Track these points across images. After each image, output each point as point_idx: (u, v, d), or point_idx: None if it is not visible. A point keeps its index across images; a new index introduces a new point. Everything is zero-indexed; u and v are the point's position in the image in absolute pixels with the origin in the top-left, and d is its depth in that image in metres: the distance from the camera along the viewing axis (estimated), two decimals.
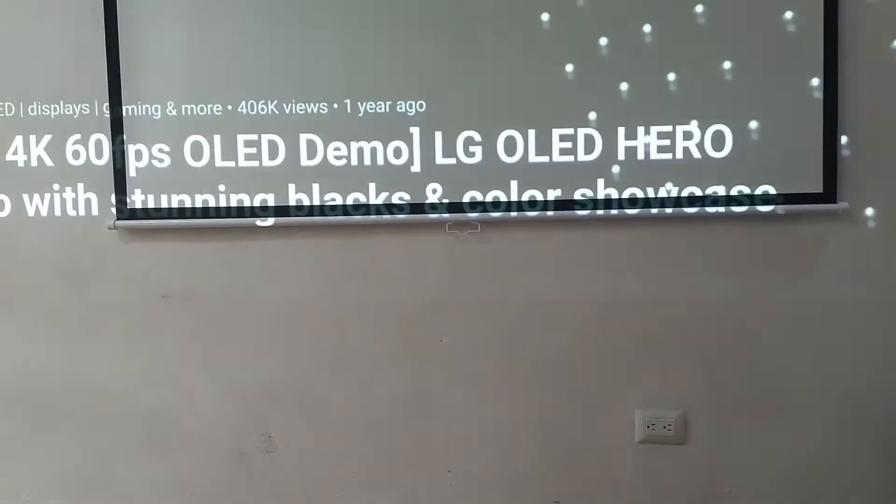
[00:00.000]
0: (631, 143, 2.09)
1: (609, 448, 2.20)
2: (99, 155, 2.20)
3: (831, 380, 2.13)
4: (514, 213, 2.11)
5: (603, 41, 2.09)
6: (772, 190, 2.07)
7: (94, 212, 2.21)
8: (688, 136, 2.08)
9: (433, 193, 2.13)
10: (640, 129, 2.09)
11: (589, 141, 2.10)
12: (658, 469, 2.19)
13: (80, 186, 2.21)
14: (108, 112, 2.17)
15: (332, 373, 2.23)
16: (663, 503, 2.19)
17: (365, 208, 2.14)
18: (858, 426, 2.14)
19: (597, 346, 2.18)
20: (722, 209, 2.08)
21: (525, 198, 2.11)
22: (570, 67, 2.10)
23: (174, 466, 2.28)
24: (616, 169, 2.10)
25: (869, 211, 2.09)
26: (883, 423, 2.13)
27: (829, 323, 2.12)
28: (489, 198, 2.12)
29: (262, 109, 2.15)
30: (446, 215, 2.13)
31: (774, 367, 2.14)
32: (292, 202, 2.16)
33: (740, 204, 2.08)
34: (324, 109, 2.14)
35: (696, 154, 2.08)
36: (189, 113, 2.16)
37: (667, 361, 2.17)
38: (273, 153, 2.15)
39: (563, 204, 2.11)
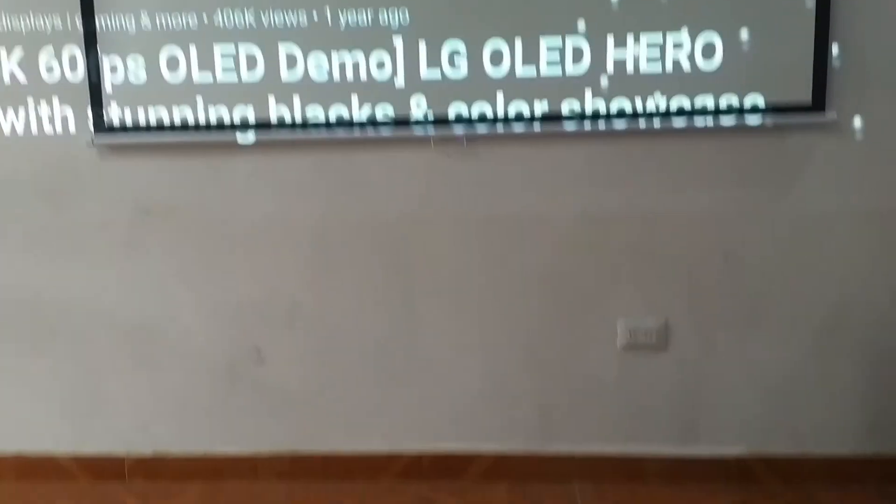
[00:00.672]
0: (620, 53, 2.04)
1: (592, 356, 2.25)
2: (73, 69, 2.14)
3: (813, 289, 2.17)
4: (500, 129, 2.08)
5: None
6: (760, 99, 2.05)
7: (72, 129, 2.17)
8: (678, 46, 2.03)
9: (417, 107, 2.09)
10: (630, 37, 2.04)
11: (577, 53, 2.05)
12: (640, 376, 2.25)
13: (55, 101, 2.16)
14: (81, 24, 2.09)
15: (317, 288, 2.25)
16: (644, 408, 2.27)
17: (348, 124, 2.11)
18: (839, 335, 2.19)
19: (582, 258, 2.20)
20: (710, 122, 2.05)
21: (511, 110, 2.08)
22: None
23: (164, 379, 2.33)
24: (604, 81, 2.05)
25: (857, 121, 2.07)
26: (865, 334, 2.18)
27: (813, 234, 2.14)
28: (475, 110, 2.08)
29: (239, 19, 2.08)
30: (431, 131, 2.10)
31: (758, 278, 2.17)
32: (273, 117, 2.12)
33: (729, 113, 2.05)
34: (303, 19, 2.07)
35: (686, 66, 2.04)
36: (163, 23, 2.09)
37: (651, 272, 2.19)
38: (251, 65, 2.09)
39: (550, 118, 2.08)
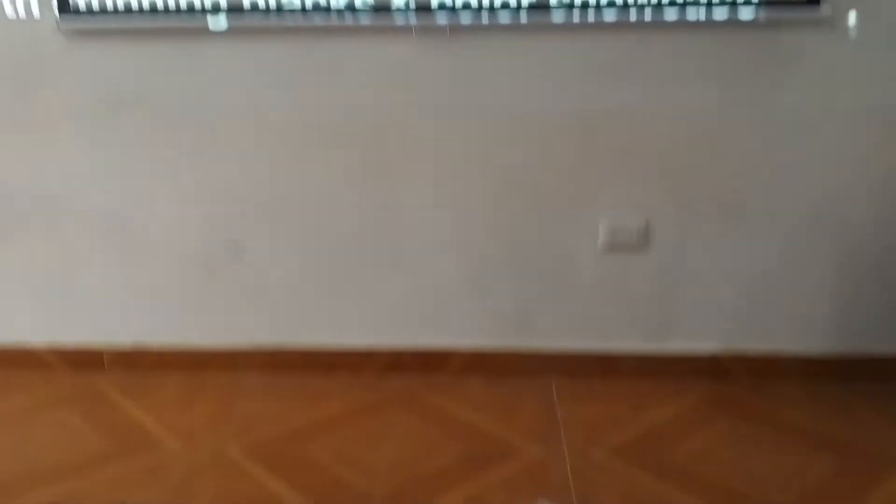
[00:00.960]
0: None
1: (572, 254, 2.24)
2: None
3: (795, 188, 2.15)
4: (485, 19, 2.00)
5: None
6: None
7: (35, 12, 2.05)
8: None
9: None
10: None
11: None
12: (619, 274, 2.26)
13: None
14: None
15: (295, 182, 2.20)
16: (621, 306, 2.29)
17: (326, 11, 2.01)
18: (817, 236, 2.19)
19: (566, 155, 2.15)
20: (702, 16, 1.98)
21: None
22: None
23: (141, 271, 2.30)
24: None
25: (852, 18, 2.01)
26: (841, 235, 2.19)
27: (800, 133, 2.10)
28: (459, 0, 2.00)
29: None
30: (413, 20, 2.01)
31: (742, 177, 2.15)
32: (246, 0, 2.01)
33: (722, 5, 1.98)
34: None
35: None
36: None
37: (636, 171, 2.16)
38: None
39: (537, 8, 1.99)
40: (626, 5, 1.98)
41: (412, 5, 1.99)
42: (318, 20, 2.01)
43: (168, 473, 1.93)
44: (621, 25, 2.01)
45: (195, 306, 2.34)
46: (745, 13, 1.98)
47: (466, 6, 1.99)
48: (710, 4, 1.98)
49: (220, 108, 2.14)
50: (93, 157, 2.20)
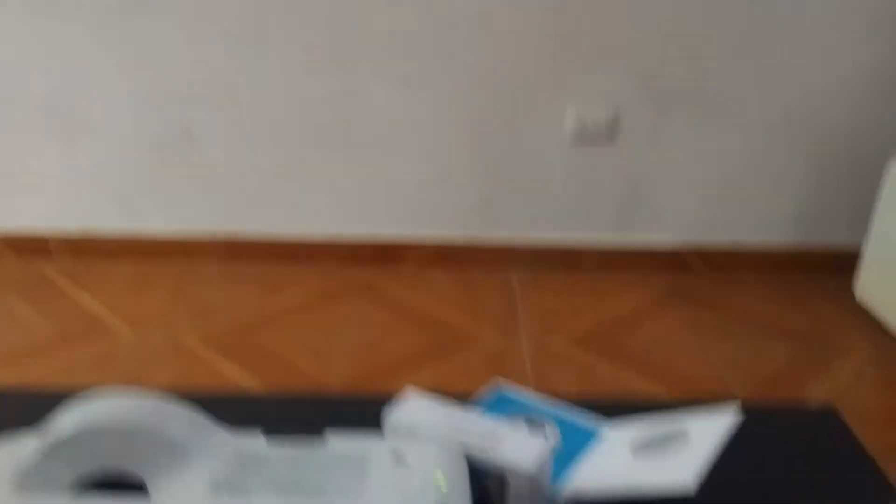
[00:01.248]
0: None
1: (539, 145, 2.19)
2: None
3: (768, 85, 2.10)
4: None
5: None
6: None
7: None
8: None
9: None
10: None
11: None
12: (587, 167, 2.21)
13: None
14: None
15: (253, 64, 2.09)
16: (589, 200, 2.25)
17: None
18: (788, 130, 2.16)
19: (533, 45, 2.07)
20: None
21: None
22: None
23: (85, 155, 2.20)
24: None
25: None
26: (810, 133, 2.16)
27: (780, 29, 2.04)
28: None
29: None
30: None
31: (716, 71, 2.09)
32: None
33: None
34: None
35: None
36: None
37: (607, 62, 2.09)
38: None
39: None
40: None
41: None
42: None
43: (120, 360, 1.89)
44: None
45: (146, 192, 2.25)
46: None
47: None
48: None
49: None
50: (34, 36, 2.06)
